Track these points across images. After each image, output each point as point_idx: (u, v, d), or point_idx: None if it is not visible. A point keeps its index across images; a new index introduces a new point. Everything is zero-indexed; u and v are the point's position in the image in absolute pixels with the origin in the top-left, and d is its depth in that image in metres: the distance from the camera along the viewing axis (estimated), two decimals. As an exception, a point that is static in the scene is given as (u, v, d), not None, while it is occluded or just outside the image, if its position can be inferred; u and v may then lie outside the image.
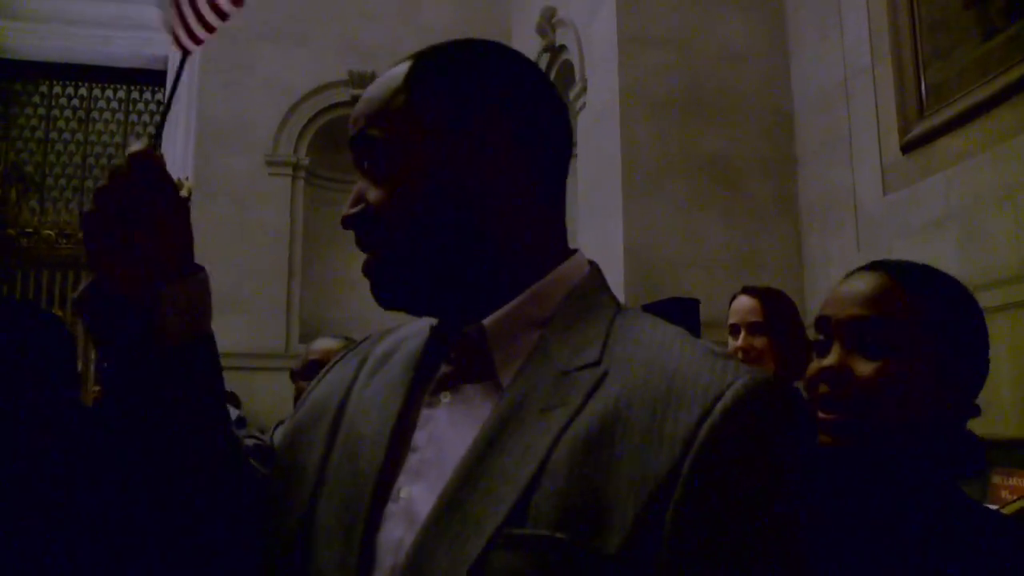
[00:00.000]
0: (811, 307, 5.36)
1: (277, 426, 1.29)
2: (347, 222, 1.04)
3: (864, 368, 1.28)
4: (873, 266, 1.38)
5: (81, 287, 1.00)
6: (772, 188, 6.24)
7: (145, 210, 0.97)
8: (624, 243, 5.95)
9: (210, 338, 1.03)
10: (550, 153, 1.06)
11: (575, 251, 1.07)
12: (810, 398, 1.35)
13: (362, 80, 8.86)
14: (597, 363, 0.93)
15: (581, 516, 0.83)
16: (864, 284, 1.34)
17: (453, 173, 0.99)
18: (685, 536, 0.82)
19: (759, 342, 2.93)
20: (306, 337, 8.36)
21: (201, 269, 1.02)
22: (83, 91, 11.65)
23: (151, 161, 0.98)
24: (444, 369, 1.02)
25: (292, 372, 3.45)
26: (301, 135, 8.92)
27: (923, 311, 1.29)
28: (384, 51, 9.00)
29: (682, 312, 5.14)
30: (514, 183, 1.01)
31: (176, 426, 1.01)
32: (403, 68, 1.05)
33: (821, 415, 1.29)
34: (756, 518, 0.84)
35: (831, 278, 5.17)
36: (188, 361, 1.01)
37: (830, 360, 1.31)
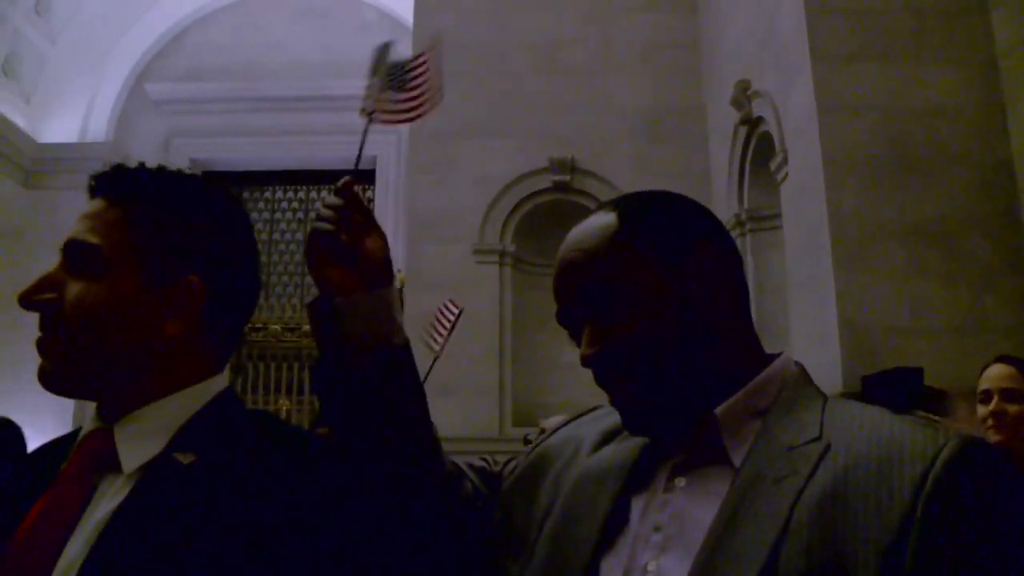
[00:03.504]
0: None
1: (509, 462, 1.41)
2: (588, 360, 1.17)
3: None
4: None
5: (314, 299, 1.25)
6: (994, 247, 5.93)
7: (348, 226, 1.23)
8: (838, 314, 5.78)
9: (399, 348, 1.24)
10: (739, 271, 1.22)
11: (780, 353, 1.22)
12: None
13: (562, 166, 9.11)
14: (819, 438, 1.06)
15: (827, 567, 0.94)
16: None
17: (680, 303, 1.14)
18: None
19: (1013, 408, 2.94)
20: (519, 420, 8.50)
21: (387, 287, 1.25)
22: (301, 194, 12.47)
23: (350, 189, 1.25)
24: (677, 458, 1.15)
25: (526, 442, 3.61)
26: (506, 223, 9.20)
27: None
28: (581, 137, 9.26)
29: (905, 381, 4.96)
30: (721, 302, 1.16)
31: (374, 425, 1.21)
32: (609, 219, 1.20)
33: None
34: (988, 558, 0.94)
35: (1069, 341, 4.86)
36: (374, 366, 1.21)
37: None
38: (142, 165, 1.27)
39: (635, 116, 9.40)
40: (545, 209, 9.16)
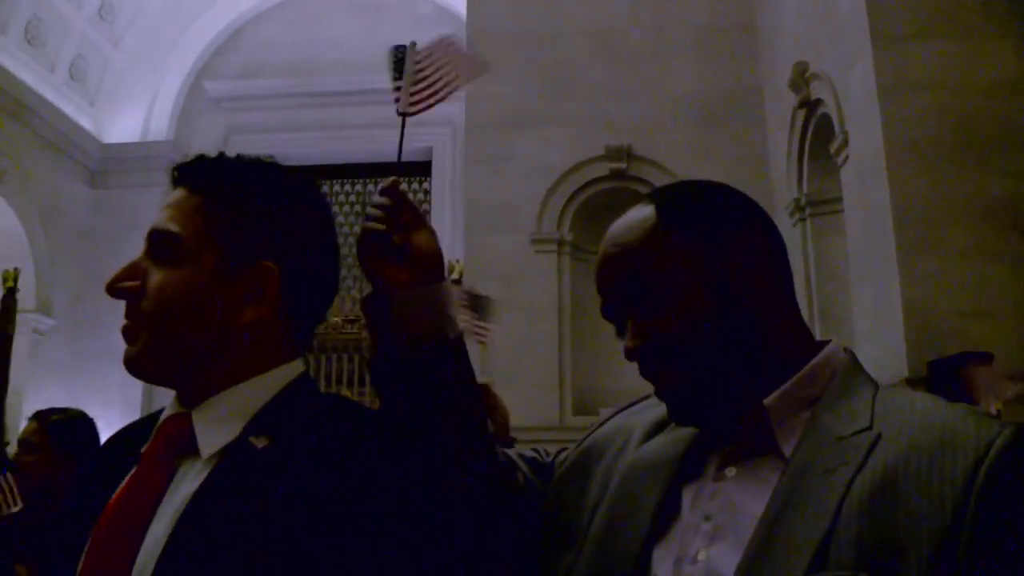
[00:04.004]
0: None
1: (560, 452, 1.43)
2: (632, 354, 1.19)
3: None
4: None
5: (368, 294, 1.28)
6: (1068, 228, 5.76)
7: (397, 224, 1.26)
8: (903, 299, 5.67)
9: (453, 341, 1.26)
10: (782, 261, 1.22)
11: (829, 340, 1.21)
12: None
13: (618, 154, 9.07)
14: (869, 428, 1.06)
15: (878, 557, 0.94)
16: None
17: (720, 297, 1.14)
18: (980, 566, 0.92)
19: None
20: (579, 409, 8.50)
21: (440, 282, 1.27)
22: (358, 187, 12.59)
23: (395, 189, 1.28)
24: (727, 448, 1.16)
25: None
26: (563, 212, 9.19)
27: None
28: (637, 123, 9.20)
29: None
30: (765, 292, 1.16)
31: (429, 417, 1.24)
32: (647, 212, 1.21)
33: None
34: None
35: None
36: (428, 360, 1.23)
37: None
38: (221, 155, 1.30)
39: (691, 101, 9.31)
40: (602, 197, 9.12)
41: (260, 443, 1.16)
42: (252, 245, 1.23)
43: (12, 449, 3.37)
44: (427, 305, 1.24)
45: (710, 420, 1.18)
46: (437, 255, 1.28)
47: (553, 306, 8.92)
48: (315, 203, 1.33)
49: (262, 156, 1.35)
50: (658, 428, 1.28)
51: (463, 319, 6.00)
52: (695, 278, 1.14)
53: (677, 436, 1.23)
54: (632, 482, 1.21)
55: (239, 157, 1.31)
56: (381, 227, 1.26)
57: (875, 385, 1.15)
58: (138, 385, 10.47)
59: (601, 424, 1.41)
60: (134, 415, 9.92)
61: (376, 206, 1.27)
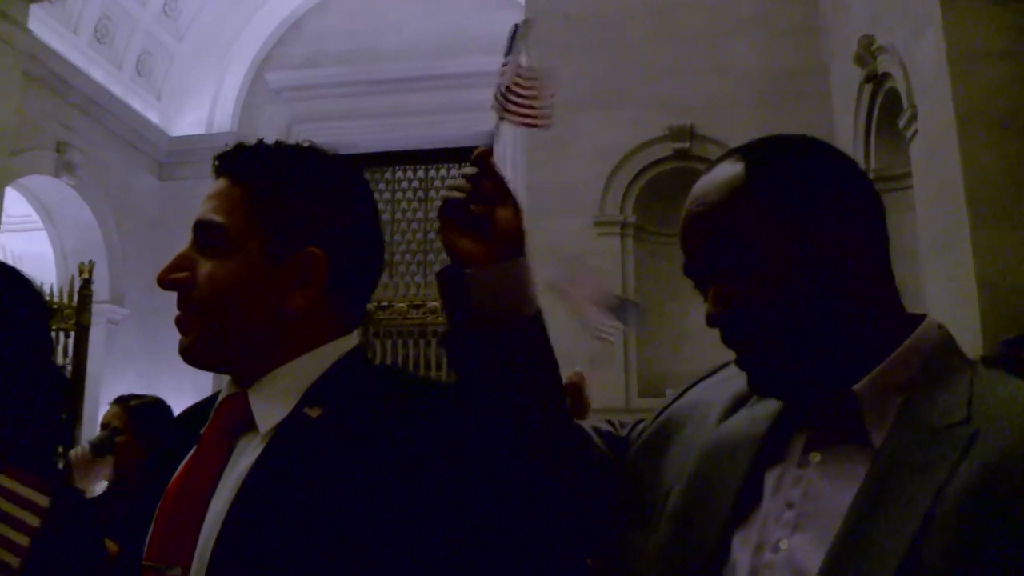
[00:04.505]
0: None
1: (636, 424, 1.38)
2: (713, 320, 1.13)
3: None
4: None
5: (444, 267, 1.25)
6: None
7: (480, 195, 1.19)
8: (976, 275, 5.51)
9: (531, 319, 1.22)
10: (878, 224, 1.13)
11: (924, 315, 1.12)
12: None
13: (681, 134, 8.97)
14: (967, 420, 0.97)
15: (974, 570, 0.87)
16: None
17: (812, 263, 1.06)
18: None
19: None
20: (645, 391, 8.46)
21: (517, 259, 1.22)
22: (420, 173, 12.62)
23: (485, 157, 1.23)
24: (812, 431, 1.09)
25: None
26: (626, 193, 9.13)
27: None
28: (700, 102, 9.09)
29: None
30: (860, 260, 1.08)
31: (505, 395, 1.20)
32: (734, 169, 1.12)
33: None
34: None
35: None
36: (504, 338, 1.19)
37: None
38: (260, 142, 1.30)
39: (754, 79, 9.17)
40: (666, 178, 9.03)
41: (314, 413, 1.18)
42: (297, 231, 1.23)
43: (94, 434, 3.52)
44: (504, 283, 1.20)
45: (793, 397, 1.12)
46: (519, 231, 1.24)
47: (616, 289, 8.86)
48: (356, 185, 1.33)
49: (302, 142, 1.35)
50: (739, 403, 1.21)
51: (593, 320, 5.90)
52: (785, 242, 1.06)
53: (759, 413, 1.16)
54: (712, 462, 1.15)
55: (278, 144, 1.31)
56: (460, 195, 1.22)
57: (972, 367, 1.07)
58: (208, 373, 10.65)
59: (679, 396, 1.35)
60: (206, 401, 10.10)
61: (463, 175, 1.25)
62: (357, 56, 12.44)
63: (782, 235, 1.07)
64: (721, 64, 9.28)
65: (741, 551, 1.06)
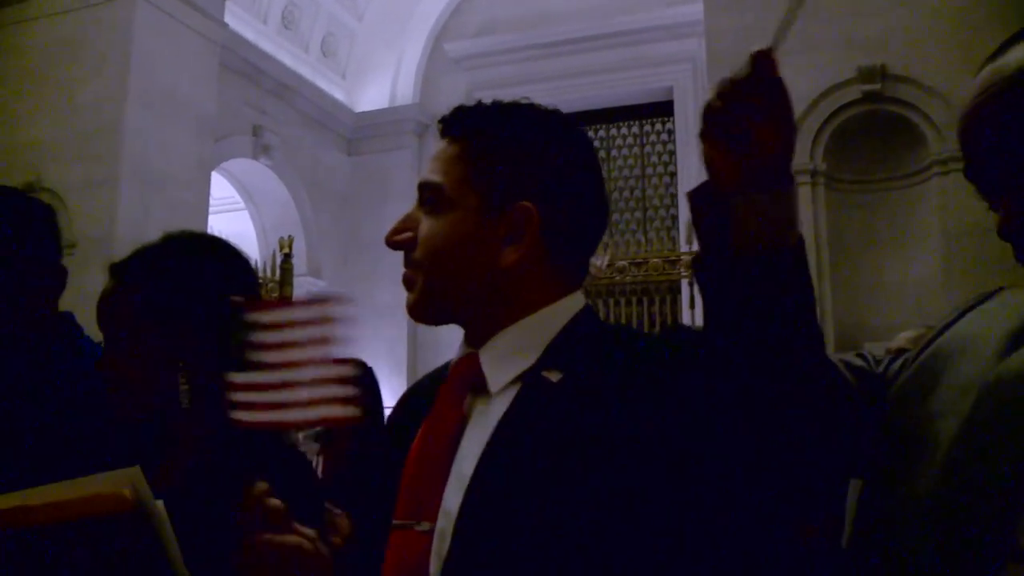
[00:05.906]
0: None
1: (893, 360, 1.26)
2: (1004, 234, 1.02)
3: None
4: None
5: (697, 186, 1.12)
6: None
7: (759, 109, 1.03)
8: None
9: (792, 248, 1.07)
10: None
11: None
12: None
13: (871, 75, 8.48)
14: None
15: None
16: None
17: None
18: None
19: None
20: (841, 344, 8.14)
21: (788, 183, 1.07)
22: (602, 132, 12.54)
23: (764, 57, 1.03)
24: None
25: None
26: (815, 141, 8.74)
27: None
28: (890, 40, 8.56)
29: None
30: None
31: (760, 328, 1.08)
32: None
33: None
34: None
35: None
36: (764, 267, 1.06)
37: None
38: (479, 102, 1.33)
39: (947, 9, 8.55)
40: (856, 122, 8.55)
41: (554, 377, 1.18)
42: (509, 186, 1.24)
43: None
44: (765, 213, 1.05)
45: None
46: (785, 155, 1.07)
47: (809, 239, 8.48)
48: (572, 141, 1.33)
49: (520, 99, 1.35)
50: (1019, 336, 1.04)
51: None
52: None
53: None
54: (999, 405, 0.99)
55: (495, 103, 1.33)
56: (719, 103, 1.05)
57: None
58: (403, 339, 11.09)
59: (944, 329, 1.18)
60: (401, 369, 10.49)
61: (732, 78, 1.05)
62: (531, 20, 12.45)
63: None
64: (909, -2, 8.71)
65: None
